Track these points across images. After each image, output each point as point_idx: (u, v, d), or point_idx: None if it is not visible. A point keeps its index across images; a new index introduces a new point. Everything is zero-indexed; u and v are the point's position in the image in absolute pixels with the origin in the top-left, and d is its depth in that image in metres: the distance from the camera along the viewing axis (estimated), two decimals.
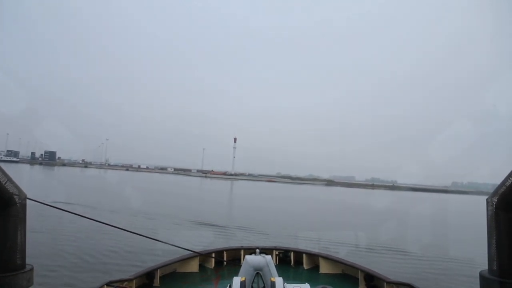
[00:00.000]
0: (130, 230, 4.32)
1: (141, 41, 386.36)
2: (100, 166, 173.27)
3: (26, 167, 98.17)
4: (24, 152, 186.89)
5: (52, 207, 3.19)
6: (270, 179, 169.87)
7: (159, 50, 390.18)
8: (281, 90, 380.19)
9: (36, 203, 2.24)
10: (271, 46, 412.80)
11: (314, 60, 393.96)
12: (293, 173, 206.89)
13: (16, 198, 1.74)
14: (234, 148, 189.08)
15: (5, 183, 1.66)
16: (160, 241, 5.87)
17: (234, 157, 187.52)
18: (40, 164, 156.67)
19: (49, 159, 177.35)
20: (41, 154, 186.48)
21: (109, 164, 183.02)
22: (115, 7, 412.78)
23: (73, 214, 3.41)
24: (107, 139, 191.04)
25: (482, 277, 1.81)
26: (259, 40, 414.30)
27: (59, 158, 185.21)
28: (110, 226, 3.97)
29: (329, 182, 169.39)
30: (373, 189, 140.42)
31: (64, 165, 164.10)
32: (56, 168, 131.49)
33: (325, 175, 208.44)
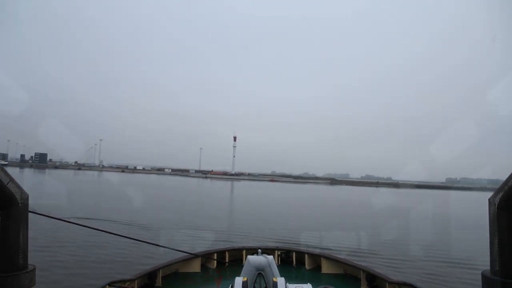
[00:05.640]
0: (131, 237, 4.52)
1: (132, 40, 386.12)
2: (94, 168, 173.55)
3: (16, 170, 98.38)
4: (13, 155, 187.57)
5: (54, 219, 3.29)
6: (272, 178, 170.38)
7: (152, 48, 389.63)
8: (279, 84, 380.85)
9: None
10: (268, 40, 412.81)
11: (308, 54, 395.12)
12: (288, 171, 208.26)
13: (18, 198, 1.77)
14: (234, 147, 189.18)
15: (7, 183, 1.70)
16: (162, 246, 6.00)
17: (234, 157, 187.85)
18: (31, 167, 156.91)
19: (40, 162, 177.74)
20: (31, 157, 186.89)
21: (103, 166, 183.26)
22: (113, 7, 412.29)
23: (76, 225, 3.54)
24: (100, 140, 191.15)
25: (484, 277, 1.83)
26: (257, 34, 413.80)
27: (50, 160, 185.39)
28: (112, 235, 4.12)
29: (333, 181, 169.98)
30: (377, 187, 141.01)
31: (56, 167, 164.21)
32: (47, 171, 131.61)
33: (320, 173, 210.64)
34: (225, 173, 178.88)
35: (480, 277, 1.87)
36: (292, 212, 33.96)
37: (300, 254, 7.76)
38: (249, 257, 5.16)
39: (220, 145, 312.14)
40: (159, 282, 6.18)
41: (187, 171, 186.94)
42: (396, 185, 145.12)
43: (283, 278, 4.42)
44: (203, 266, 7.28)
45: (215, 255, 7.50)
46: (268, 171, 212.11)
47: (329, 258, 7.28)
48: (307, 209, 38.39)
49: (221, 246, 10.15)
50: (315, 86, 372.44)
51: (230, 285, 4.45)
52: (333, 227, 25.70)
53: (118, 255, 13.46)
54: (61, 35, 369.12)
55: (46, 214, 3.15)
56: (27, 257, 1.83)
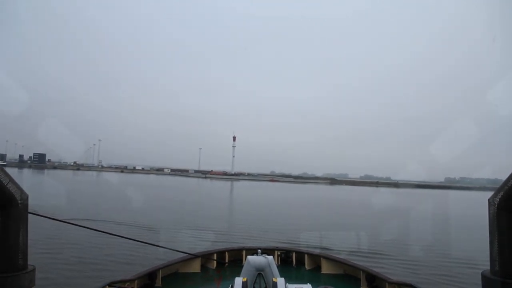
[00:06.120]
0: (130, 237, 4.61)
1: (132, 40, 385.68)
2: (93, 168, 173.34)
3: (14, 171, 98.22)
4: (12, 155, 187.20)
5: (54, 220, 3.36)
6: (272, 178, 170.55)
7: (152, 48, 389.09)
8: (279, 84, 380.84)
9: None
10: (268, 40, 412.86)
11: (308, 53, 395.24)
12: (287, 171, 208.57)
13: (18, 198, 1.79)
14: (234, 147, 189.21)
15: (7, 183, 1.72)
16: (162, 247, 6.06)
17: (234, 157, 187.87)
18: (29, 167, 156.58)
19: (39, 162, 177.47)
20: (30, 157, 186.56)
21: (102, 166, 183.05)
22: (113, 7, 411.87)
23: (76, 226, 3.63)
24: (99, 140, 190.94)
25: (484, 277, 1.84)
26: (257, 34, 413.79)
27: (49, 160, 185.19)
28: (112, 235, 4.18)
29: (333, 181, 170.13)
30: (377, 187, 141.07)
31: (55, 168, 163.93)
32: (46, 171, 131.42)
33: (319, 173, 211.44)
34: (224, 173, 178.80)
35: (479, 277, 1.88)
36: (293, 212, 33.94)
37: (300, 254, 7.78)
38: (249, 257, 5.19)
39: (219, 145, 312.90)
40: (159, 282, 6.21)
41: (187, 171, 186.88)
42: (396, 185, 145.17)
43: (283, 279, 4.44)
44: (203, 266, 7.31)
45: (215, 255, 7.52)
46: (267, 171, 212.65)
47: (329, 258, 7.31)
48: (308, 209, 38.38)
49: (221, 246, 10.19)
50: (315, 86, 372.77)
51: (230, 285, 4.48)
52: (335, 227, 25.70)
53: (118, 255, 13.48)
54: (61, 35, 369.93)
55: (46, 215, 3.20)
56: (27, 257, 1.85)
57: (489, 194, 1.89)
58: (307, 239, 17.80)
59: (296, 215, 31.01)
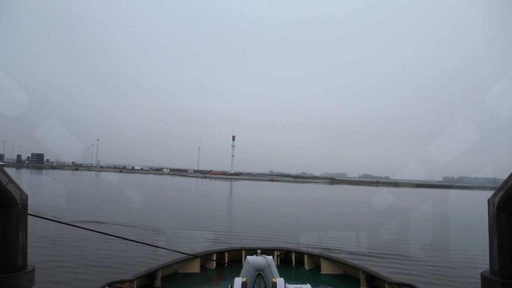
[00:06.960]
0: (130, 238, 4.61)
1: (132, 40, 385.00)
2: (92, 168, 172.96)
3: (12, 171, 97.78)
4: (9, 155, 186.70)
5: (54, 221, 3.37)
6: (272, 178, 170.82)
7: (151, 49, 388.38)
8: (278, 84, 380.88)
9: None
10: (268, 40, 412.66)
11: (308, 53, 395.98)
12: (285, 171, 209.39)
13: (18, 199, 1.79)
14: (233, 146, 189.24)
15: (7, 184, 1.72)
16: (161, 247, 6.09)
17: (233, 156, 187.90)
18: (27, 167, 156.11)
19: (37, 162, 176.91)
20: (28, 157, 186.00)
21: (101, 166, 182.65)
22: (109, 8, 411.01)
23: (75, 227, 3.62)
24: (98, 140, 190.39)
25: (483, 277, 1.86)
26: (257, 35, 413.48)
27: (47, 160, 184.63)
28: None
29: (332, 180, 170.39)
30: (377, 186, 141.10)
31: (53, 168, 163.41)
32: (44, 171, 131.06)
33: (317, 172, 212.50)
34: (224, 173, 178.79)
35: (479, 277, 1.90)
36: (293, 212, 33.87)
37: (300, 255, 7.78)
38: (248, 257, 5.19)
39: (219, 145, 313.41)
40: (158, 282, 6.22)
41: (186, 171, 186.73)
42: (396, 184, 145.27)
43: (282, 279, 4.43)
44: (203, 266, 7.32)
45: (215, 255, 7.53)
46: (266, 170, 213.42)
47: (328, 259, 7.31)
48: (308, 208, 38.37)
49: (221, 246, 10.21)
50: (315, 86, 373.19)
51: (230, 286, 4.48)
52: (336, 227, 25.72)
53: (118, 256, 13.49)
54: (59, 34, 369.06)
55: (46, 217, 3.21)
56: (27, 257, 1.85)
57: (488, 193, 1.89)
58: (307, 239, 17.84)
59: (296, 215, 31.02)
